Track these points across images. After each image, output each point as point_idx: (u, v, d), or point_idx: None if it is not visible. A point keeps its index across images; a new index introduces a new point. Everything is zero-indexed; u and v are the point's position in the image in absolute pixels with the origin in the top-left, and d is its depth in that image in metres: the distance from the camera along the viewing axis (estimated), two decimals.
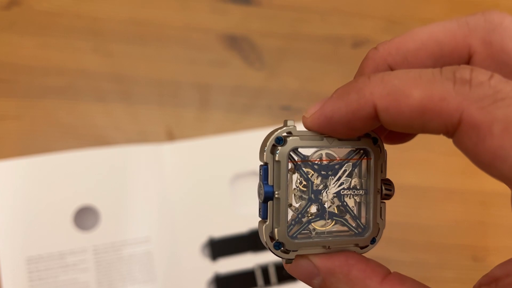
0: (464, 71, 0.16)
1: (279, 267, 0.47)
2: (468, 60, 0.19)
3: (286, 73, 0.53)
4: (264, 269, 0.47)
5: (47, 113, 0.49)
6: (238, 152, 0.49)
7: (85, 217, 0.46)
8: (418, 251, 0.51)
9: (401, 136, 0.22)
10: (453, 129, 0.16)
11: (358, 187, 0.21)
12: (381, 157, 0.21)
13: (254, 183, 0.49)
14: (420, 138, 0.59)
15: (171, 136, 0.50)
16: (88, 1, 0.52)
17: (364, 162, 0.21)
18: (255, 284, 0.47)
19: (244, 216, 0.48)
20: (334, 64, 0.54)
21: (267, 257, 0.48)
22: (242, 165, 0.49)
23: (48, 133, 0.48)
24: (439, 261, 0.51)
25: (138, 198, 0.47)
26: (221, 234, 0.47)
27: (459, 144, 0.17)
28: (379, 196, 0.21)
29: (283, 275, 0.47)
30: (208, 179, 0.48)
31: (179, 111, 0.51)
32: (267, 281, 0.47)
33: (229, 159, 0.49)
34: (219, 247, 0.47)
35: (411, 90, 0.16)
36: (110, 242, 0.45)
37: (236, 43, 0.53)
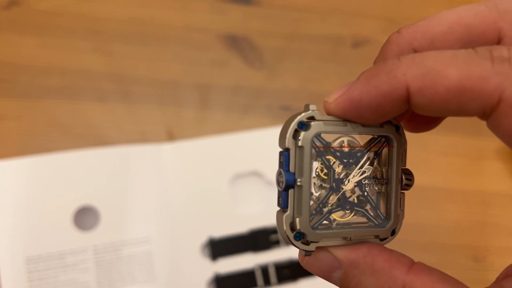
0: (502, 50, 0.16)
1: (279, 267, 0.47)
2: (497, 44, 0.19)
3: (286, 73, 0.53)
4: (264, 269, 0.47)
5: (47, 113, 0.49)
6: (238, 152, 0.49)
7: (85, 217, 0.46)
8: (418, 251, 0.50)
9: (427, 123, 0.22)
10: (491, 109, 0.16)
11: (378, 176, 0.20)
12: (403, 145, 0.20)
13: (254, 183, 0.49)
14: (419, 138, 0.59)
15: (171, 136, 0.50)
16: (88, 1, 0.52)
17: (385, 151, 0.20)
18: (255, 284, 0.47)
19: (244, 216, 0.48)
20: (334, 64, 0.54)
21: (267, 257, 0.48)
22: (242, 165, 0.49)
23: (48, 133, 0.48)
24: (439, 261, 0.51)
25: (138, 198, 0.47)
26: (221, 234, 0.47)
27: (495, 125, 0.16)
28: (399, 186, 0.20)
29: (283, 275, 0.47)
30: (208, 179, 0.48)
31: (179, 111, 0.51)
32: (267, 281, 0.47)
33: (229, 159, 0.49)
34: (219, 247, 0.47)
35: (448, 70, 0.16)
36: (110, 242, 0.45)
37: (236, 43, 0.53)
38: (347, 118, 0.19)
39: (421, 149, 0.52)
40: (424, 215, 0.51)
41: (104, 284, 0.45)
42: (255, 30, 0.54)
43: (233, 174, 0.49)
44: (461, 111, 0.16)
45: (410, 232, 0.51)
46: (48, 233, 0.45)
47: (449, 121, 0.53)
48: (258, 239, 0.48)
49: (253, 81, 0.52)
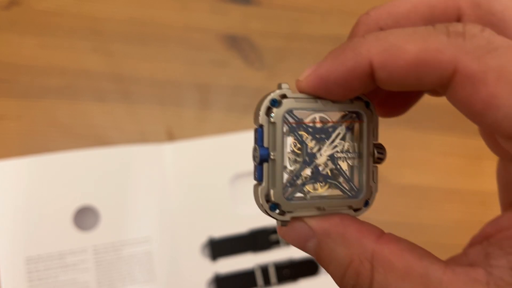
0: (457, 26, 0.17)
1: (279, 267, 0.47)
2: (457, 22, 0.20)
3: (286, 73, 0.53)
4: (264, 269, 0.47)
5: (47, 113, 0.49)
6: (238, 152, 0.49)
7: (85, 217, 0.46)
8: None
9: (397, 107, 0.23)
10: (448, 81, 0.17)
11: (351, 151, 0.21)
12: (373, 121, 0.21)
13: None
14: (420, 137, 0.59)
15: (171, 136, 0.50)
16: (88, 1, 0.52)
17: (356, 126, 0.21)
18: (255, 284, 0.47)
19: (244, 216, 0.48)
20: None
21: (267, 257, 0.48)
22: (242, 165, 0.49)
23: (48, 133, 0.48)
24: None
25: (138, 198, 0.47)
26: (221, 234, 0.47)
27: (453, 96, 0.17)
28: (371, 159, 0.21)
29: (283, 275, 0.47)
30: (208, 179, 0.48)
31: (179, 111, 0.51)
32: (267, 281, 0.47)
33: (229, 159, 0.49)
34: (219, 247, 0.47)
35: (407, 44, 0.17)
36: (110, 242, 0.45)
37: (236, 43, 0.53)
38: (318, 95, 0.20)
39: (420, 149, 0.52)
40: (423, 215, 0.51)
41: (104, 284, 0.45)
42: (255, 30, 0.54)
43: (233, 174, 0.49)
44: (421, 84, 0.17)
45: (409, 232, 0.51)
46: (48, 233, 0.45)
47: (448, 121, 0.53)
48: (258, 239, 0.48)
49: (253, 81, 0.52)
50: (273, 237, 0.48)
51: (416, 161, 0.52)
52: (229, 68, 0.52)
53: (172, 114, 0.51)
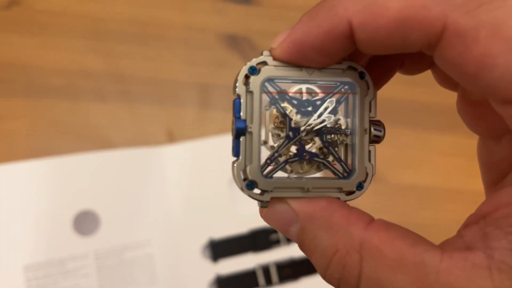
0: None
1: (280, 267, 0.47)
2: None
3: None
4: (265, 269, 0.47)
5: (47, 113, 0.49)
6: None
7: (85, 222, 0.46)
8: None
9: (378, 75, 0.21)
10: (436, 40, 0.15)
11: (343, 127, 0.18)
12: (369, 93, 0.18)
13: None
14: (420, 137, 0.58)
15: (171, 136, 0.50)
16: (88, 1, 0.52)
17: (351, 100, 0.18)
18: (256, 284, 0.47)
19: (244, 217, 0.48)
20: None
21: (268, 257, 0.48)
22: None
23: (48, 133, 0.48)
24: None
25: (138, 201, 0.47)
26: (221, 235, 0.47)
27: (442, 57, 0.15)
28: (367, 137, 0.18)
29: (284, 274, 0.47)
30: (208, 180, 0.48)
31: (179, 111, 0.51)
32: (268, 281, 0.47)
33: (229, 160, 0.49)
34: (220, 248, 0.47)
35: (389, 1, 0.15)
36: (111, 246, 0.45)
37: (236, 43, 0.53)
38: (294, 62, 0.17)
39: (421, 149, 0.52)
40: (424, 215, 0.51)
41: None
42: (255, 30, 0.54)
43: None
44: (405, 45, 0.16)
45: None
46: (48, 239, 0.45)
47: (449, 120, 0.53)
48: (258, 239, 0.48)
49: None
50: (273, 236, 0.48)
51: (416, 161, 0.52)
52: (229, 68, 0.52)
53: (172, 114, 0.51)
